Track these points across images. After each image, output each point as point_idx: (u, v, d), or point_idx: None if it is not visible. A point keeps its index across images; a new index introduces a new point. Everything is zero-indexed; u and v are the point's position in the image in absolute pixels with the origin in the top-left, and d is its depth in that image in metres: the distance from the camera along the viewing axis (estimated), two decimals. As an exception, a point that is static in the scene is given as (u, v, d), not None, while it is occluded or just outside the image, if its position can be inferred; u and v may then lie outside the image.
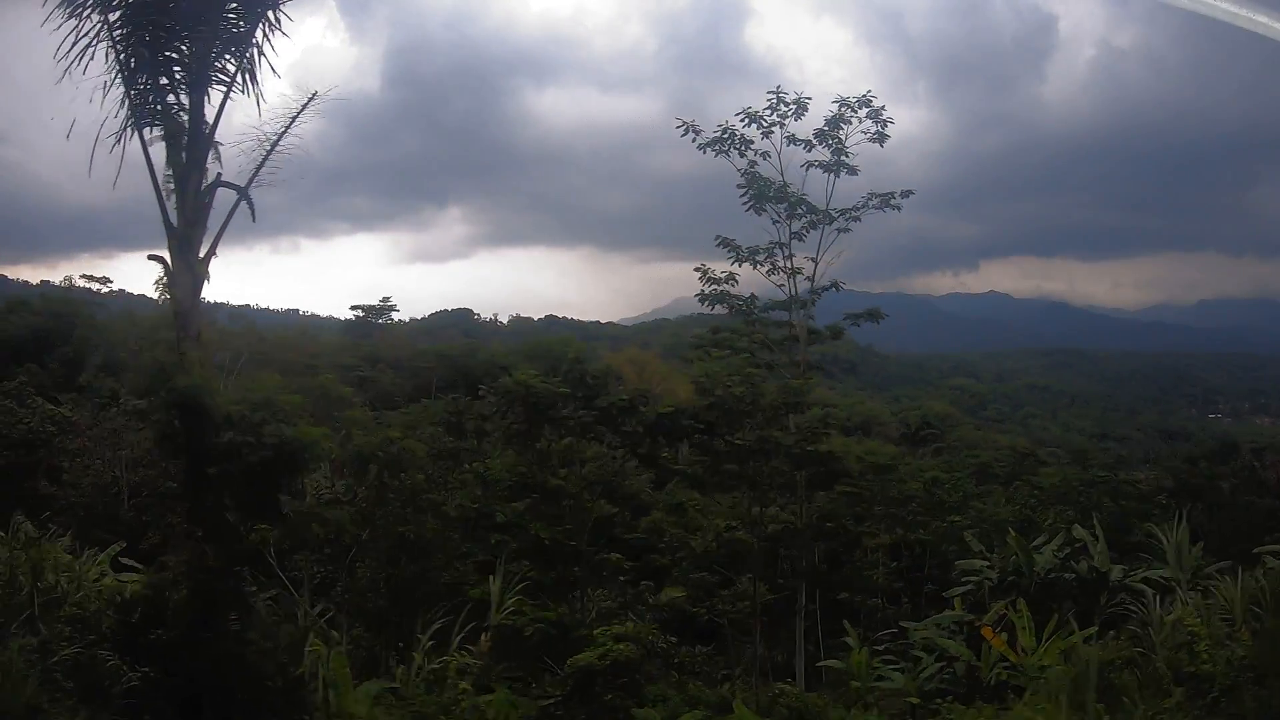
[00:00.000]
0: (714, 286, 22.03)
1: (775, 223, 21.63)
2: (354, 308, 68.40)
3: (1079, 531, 19.04)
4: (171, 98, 12.77)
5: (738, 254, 21.74)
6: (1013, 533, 19.24)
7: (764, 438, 19.27)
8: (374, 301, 66.92)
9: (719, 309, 22.83)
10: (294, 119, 13.26)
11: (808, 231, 21.62)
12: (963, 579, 18.80)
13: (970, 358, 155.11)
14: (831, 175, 21.60)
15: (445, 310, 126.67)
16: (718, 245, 21.61)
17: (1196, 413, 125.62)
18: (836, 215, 21.65)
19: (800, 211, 21.41)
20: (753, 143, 21.53)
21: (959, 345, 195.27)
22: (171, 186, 12.70)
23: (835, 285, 21.95)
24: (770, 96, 21.39)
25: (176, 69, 12.77)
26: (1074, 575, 17.67)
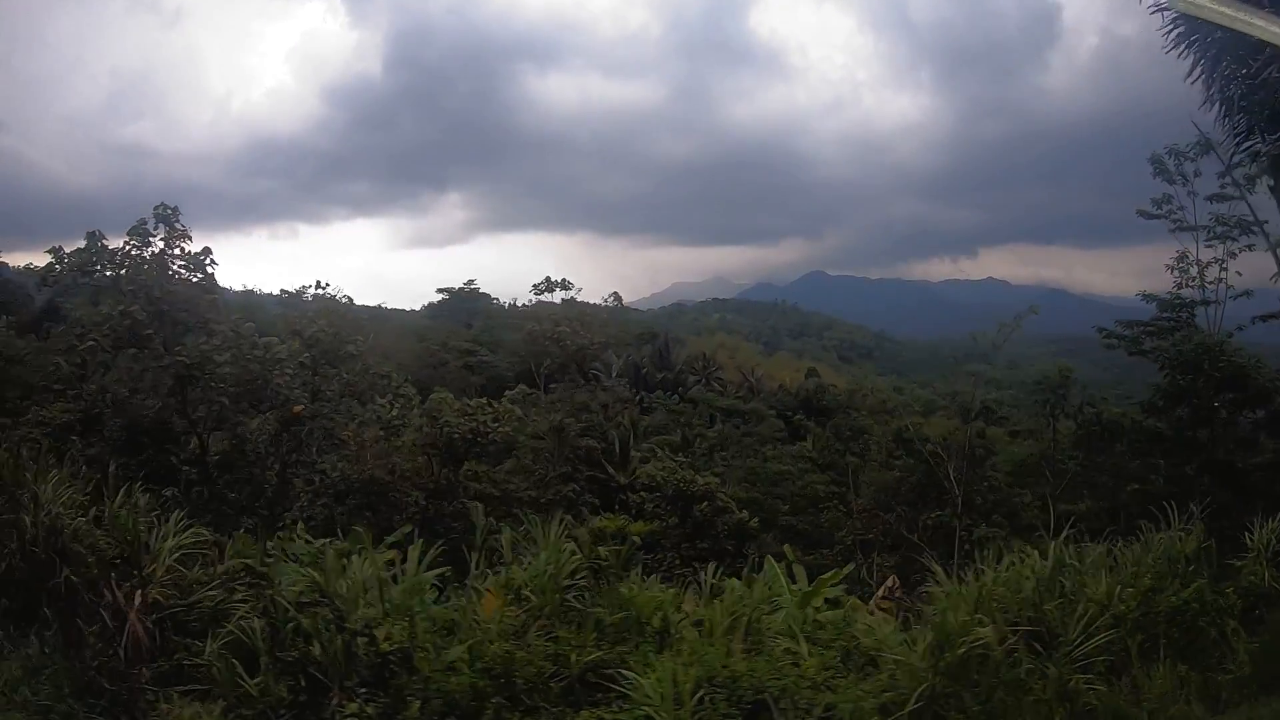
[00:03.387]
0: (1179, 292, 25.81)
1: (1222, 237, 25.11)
2: (440, 290, 71.57)
3: None
4: None
5: (1178, 265, 25.63)
6: None
7: None
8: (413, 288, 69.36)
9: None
10: None
11: (1241, 250, 24.96)
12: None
13: (980, 343, 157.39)
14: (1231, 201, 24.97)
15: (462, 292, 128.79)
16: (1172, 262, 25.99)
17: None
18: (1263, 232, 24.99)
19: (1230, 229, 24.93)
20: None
21: (958, 331, 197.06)
22: None
23: (1248, 292, 25.46)
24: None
25: None
26: None
